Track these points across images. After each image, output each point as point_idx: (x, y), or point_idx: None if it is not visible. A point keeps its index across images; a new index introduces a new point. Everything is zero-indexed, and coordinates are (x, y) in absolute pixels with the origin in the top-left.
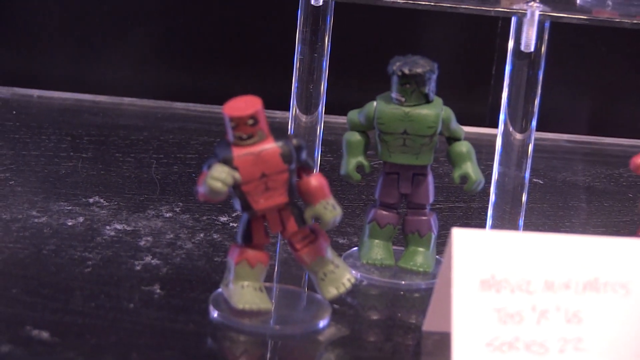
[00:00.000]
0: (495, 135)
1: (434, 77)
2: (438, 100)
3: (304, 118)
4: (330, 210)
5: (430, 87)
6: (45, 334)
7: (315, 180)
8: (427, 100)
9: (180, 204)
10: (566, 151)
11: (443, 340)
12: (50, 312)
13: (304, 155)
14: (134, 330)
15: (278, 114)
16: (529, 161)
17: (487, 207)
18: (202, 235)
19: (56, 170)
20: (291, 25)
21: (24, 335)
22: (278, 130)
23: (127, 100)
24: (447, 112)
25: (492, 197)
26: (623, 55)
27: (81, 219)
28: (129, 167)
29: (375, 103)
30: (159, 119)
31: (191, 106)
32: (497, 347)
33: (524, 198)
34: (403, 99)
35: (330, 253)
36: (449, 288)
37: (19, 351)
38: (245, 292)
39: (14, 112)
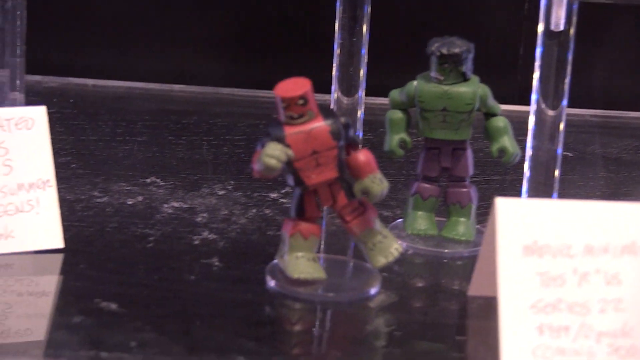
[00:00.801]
0: (525, 112)
1: (471, 56)
2: (475, 78)
3: (345, 100)
4: (377, 183)
5: (467, 66)
6: (113, 305)
7: (363, 155)
8: (464, 79)
9: (232, 182)
10: (593, 125)
11: (487, 304)
12: (116, 285)
13: (351, 132)
14: (196, 300)
15: (318, 97)
16: (561, 136)
17: (520, 180)
18: (254, 211)
19: (114, 153)
20: (331, 12)
21: (93, 307)
22: (326, 109)
23: (176, 87)
24: (484, 89)
25: (526, 171)
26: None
27: (140, 198)
28: (181, 149)
29: (415, 82)
30: (206, 104)
31: (236, 91)
32: (541, 308)
33: (557, 171)
34: (442, 78)
35: (378, 224)
36: (492, 255)
37: (89, 321)
38: (300, 262)
39: (72, 100)
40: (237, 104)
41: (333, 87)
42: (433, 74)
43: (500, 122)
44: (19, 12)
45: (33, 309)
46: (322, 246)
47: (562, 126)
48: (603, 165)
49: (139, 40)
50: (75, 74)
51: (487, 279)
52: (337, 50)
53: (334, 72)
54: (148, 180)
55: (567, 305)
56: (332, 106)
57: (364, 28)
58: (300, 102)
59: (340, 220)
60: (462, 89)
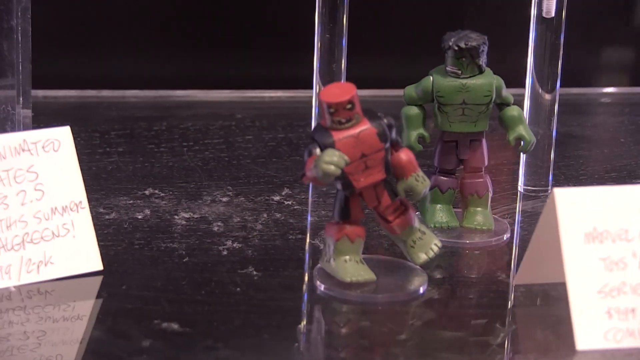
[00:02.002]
0: None
1: (486, 48)
2: (489, 70)
3: None
4: (421, 181)
5: (483, 59)
6: (175, 326)
7: (405, 155)
8: (480, 71)
9: (230, 187)
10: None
11: (532, 292)
12: (168, 303)
13: (394, 133)
14: (254, 313)
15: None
16: (555, 119)
17: (504, 164)
18: (265, 215)
19: (103, 166)
20: (304, 8)
21: (156, 328)
22: (370, 111)
23: (128, 92)
24: (499, 81)
25: (523, 155)
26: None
27: (148, 212)
28: (167, 157)
29: (431, 78)
30: (168, 108)
31: (190, 93)
32: (608, 293)
33: (553, 152)
34: (459, 72)
35: (417, 221)
36: (544, 243)
37: (159, 344)
38: (349, 265)
39: (32, 113)
40: (197, 106)
41: (314, 82)
42: (449, 68)
43: (514, 111)
44: (20, 28)
45: (92, 336)
46: None
47: (556, 109)
48: (573, 144)
49: (84, 46)
50: None
51: (538, 267)
52: (317, 46)
53: (315, 68)
54: (147, 192)
55: (631, 287)
56: (314, 102)
57: (344, 23)
58: (349, 106)
59: (381, 221)
60: (480, 81)
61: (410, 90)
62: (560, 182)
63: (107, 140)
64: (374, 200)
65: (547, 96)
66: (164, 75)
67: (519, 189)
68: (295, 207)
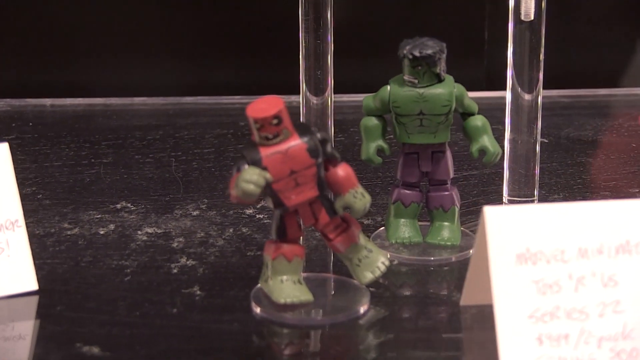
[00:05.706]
0: (494, 98)
1: (444, 56)
2: (449, 79)
3: (314, 100)
4: (359, 198)
5: (441, 67)
6: (95, 350)
7: (342, 170)
8: (439, 80)
9: (206, 200)
10: (564, 107)
11: (481, 313)
12: (98, 325)
13: (329, 147)
14: (182, 336)
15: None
16: (539, 124)
17: (499, 173)
18: (231, 230)
19: (81, 178)
20: (292, 12)
21: (75, 352)
22: (302, 126)
23: (137, 100)
24: (460, 89)
25: (506, 162)
26: (610, 10)
27: (112, 227)
28: (150, 169)
29: (388, 87)
30: (170, 115)
31: (199, 99)
32: (539, 318)
33: (537, 159)
34: (416, 81)
35: (362, 239)
36: (483, 263)
37: None
38: (285, 286)
39: (31, 124)
40: (201, 114)
41: (302, 88)
42: (406, 77)
43: (478, 121)
44: None
45: (10, 358)
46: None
47: (539, 112)
48: (580, 150)
49: (94, 54)
50: (32, 94)
51: (480, 288)
52: (303, 53)
53: (301, 75)
54: (118, 206)
55: (566, 312)
56: (301, 107)
57: (329, 28)
58: (275, 121)
59: (323, 238)
60: (438, 90)
61: (369, 100)
62: (551, 191)
63: (95, 151)
64: (310, 218)
65: (527, 97)
66: (172, 82)
67: (504, 199)
68: (266, 221)
